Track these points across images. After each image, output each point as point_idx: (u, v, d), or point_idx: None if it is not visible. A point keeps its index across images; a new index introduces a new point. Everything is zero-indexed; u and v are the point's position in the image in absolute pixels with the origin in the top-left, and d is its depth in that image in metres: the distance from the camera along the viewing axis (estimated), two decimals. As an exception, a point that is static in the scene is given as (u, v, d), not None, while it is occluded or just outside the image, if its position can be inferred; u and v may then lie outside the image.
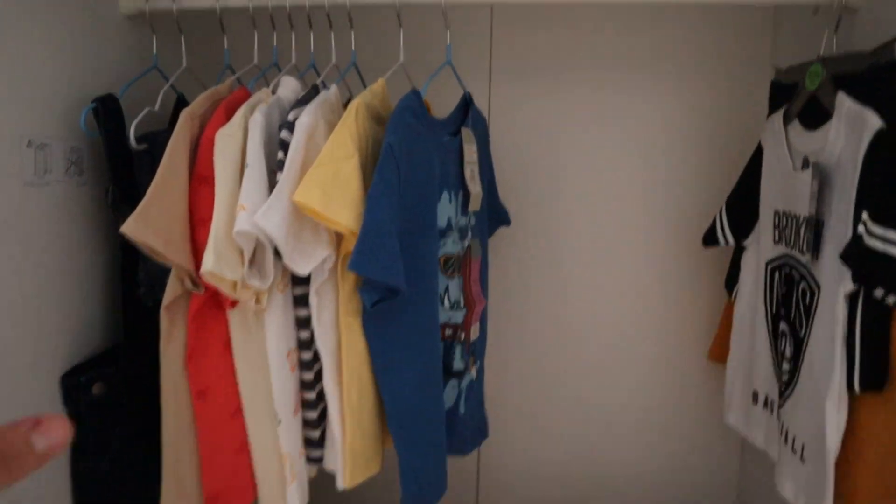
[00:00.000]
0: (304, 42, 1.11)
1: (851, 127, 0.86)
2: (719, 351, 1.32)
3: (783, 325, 1.06)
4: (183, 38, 1.13)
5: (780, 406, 1.06)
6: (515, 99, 1.42)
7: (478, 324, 1.21)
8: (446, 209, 1.05)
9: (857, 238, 0.81)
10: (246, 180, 0.87)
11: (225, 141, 0.91)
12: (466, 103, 1.14)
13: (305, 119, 0.90)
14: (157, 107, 1.07)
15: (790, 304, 1.04)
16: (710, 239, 1.24)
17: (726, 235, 1.21)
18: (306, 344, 1.03)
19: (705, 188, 1.40)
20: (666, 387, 1.47)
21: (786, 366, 1.04)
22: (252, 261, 0.92)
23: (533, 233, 1.45)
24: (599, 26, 1.39)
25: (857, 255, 0.82)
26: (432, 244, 1.03)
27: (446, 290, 1.09)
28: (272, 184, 0.90)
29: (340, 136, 0.89)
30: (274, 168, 0.92)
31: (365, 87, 1.14)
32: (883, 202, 0.80)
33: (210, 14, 1.10)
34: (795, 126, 1.03)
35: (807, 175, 0.96)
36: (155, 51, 1.14)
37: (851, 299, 0.86)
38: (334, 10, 1.06)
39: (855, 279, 0.83)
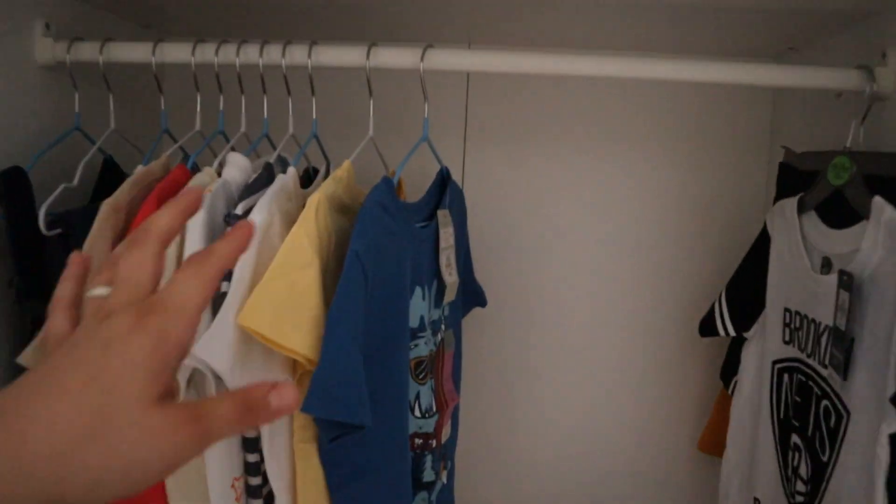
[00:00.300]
0: (257, 105, 0.95)
1: (893, 239, 0.76)
2: (711, 442, 1.21)
3: (796, 438, 0.95)
4: (111, 96, 0.96)
5: (792, 527, 0.94)
6: (492, 166, 1.29)
7: (449, 422, 1.07)
8: (419, 307, 0.91)
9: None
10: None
11: (157, 240, 0.74)
12: (444, 179, 1.00)
13: (258, 217, 0.75)
14: (75, 181, 0.90)
15: (806, 418, 0.92)
16: (707, 328, 1.12)
17: (727, 326, 1.10)
18: (254, 468, 0.87)
19: (698, 269, 1.30)
20: (652, 480, 1.35)
21: (800, 486, 0.93)
22: (189, 381, 0.76)
23: (509, 312, 1.32)
24: (585, 94, 1.27)
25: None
26: (403, 350, 0.88)
27: (417, 396, 0.94)
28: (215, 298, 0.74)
29: (297, 240, 0.74)
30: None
31: (327, 160, 1.00)
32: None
33: (145, 68, 0.94)
34: (812, 218, 0.93)
35: (830, 280, 0.85)
36: (77, 109, 0.96)
37: (893, 438, 0.74)
38: (293, 72, 0.91)
39: (903, 420, 0.72)
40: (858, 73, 0.89)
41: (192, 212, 0.43)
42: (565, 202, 1.30)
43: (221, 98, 0.95)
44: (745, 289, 1.08)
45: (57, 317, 0.40)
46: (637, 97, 1.27)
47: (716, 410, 1.20)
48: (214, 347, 0.69)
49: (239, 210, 0.78)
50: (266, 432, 0.82)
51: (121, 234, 0.77)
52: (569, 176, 1.29)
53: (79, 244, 0.79)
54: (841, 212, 0.87)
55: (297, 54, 0.90)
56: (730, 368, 1.14)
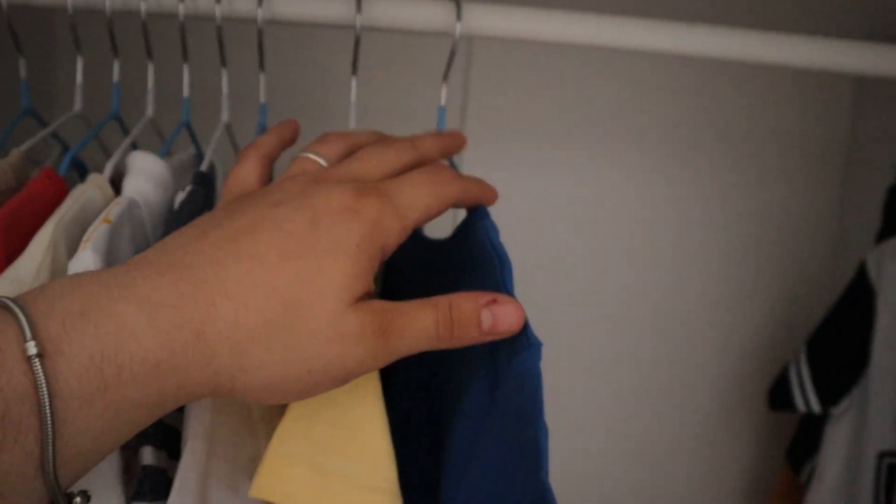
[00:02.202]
0: (174, 76, 0.61)
1: None
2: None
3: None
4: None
5: None
6: (498, 166, 0.98)
7: None
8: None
9: None
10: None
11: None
12: None
13: None
14: None
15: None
16: (780, 399, 0.87)
17: (808, 398, 0.84)
18: None
19: (745, 315, 1.03)
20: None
21: None
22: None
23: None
24: (605, 84, 0.98)
25: None
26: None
27: None
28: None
29: None
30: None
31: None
32: None
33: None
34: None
35: None
36: None
37: None
38: (232, 28, 0.58)
39: None
40: None
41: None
42: (581, 215, 1.01)
43: (116, 63, 0.61)
44: (836, 352, 0.82)
45: (248, 163, 0.38)
46: (670, 84, 0.98)
47: (777, 498, 0.95)
48: None
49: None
50: None
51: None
52: (586, 182, 1.00)
53: None
54: None
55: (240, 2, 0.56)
56: (802, 448, 0.89)
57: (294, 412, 0.39)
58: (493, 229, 0.44)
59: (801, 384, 0.85)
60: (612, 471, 1.06)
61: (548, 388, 0.39)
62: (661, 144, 0.99)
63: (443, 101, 0.59)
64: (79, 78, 0.61)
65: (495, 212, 0.46)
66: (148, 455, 0.39)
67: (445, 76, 0.58)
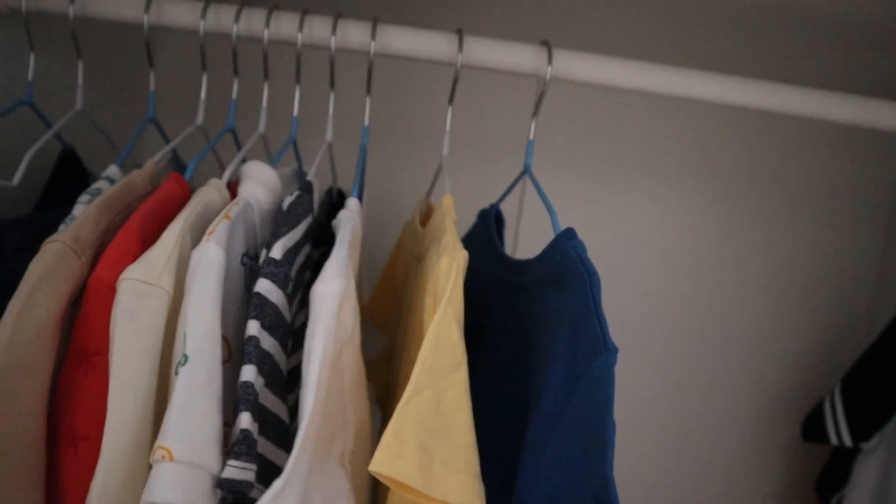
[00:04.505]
0: (285, 92, 0.69)
1: None
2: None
3: None
4: (80, 63, 0.69)
5: None
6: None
7: None
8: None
9: None
10: (179, 389, 0.44)
11: (138, 297, 0.47)
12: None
13: (335, 286, 0.48)
14: (15, 178, 0.62)
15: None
16: (814, 432, 0.91)
17: (840, 432, 0.88)
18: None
19: (790, 351, 1.08)
20: None
21: None
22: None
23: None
24: (641, 120, 1.04)
25: None
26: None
27: None
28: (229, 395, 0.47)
29: (448, 329, 0.48)
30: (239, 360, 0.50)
31: (360, 183, 0.75)
32: None
33: (132, 31, 0.67)
34: None
35: None
36: (31, 76, 0.68)
37: None
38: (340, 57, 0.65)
39: None
40: None
41: None
42: (637, 247, 1.06)
43: (236, 82, 0.69)
44: (872, 388, 0.86)
45: None
46: (712, 126, 1.04)
47: (804, 527, 0.99)
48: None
49: (276, 253, 0.51)
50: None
51: (78, 287, 0.49)
52: (621, 226, 1.06)
53: (14, 277, 0.51)
54: None
55: (353, 32, 0.64)
56: (832, 481, 0.93)
57: (408, 397, 0.46)
58: (582, 247, 0.50)
59: (835, 418, 0.89)
60: (646, 492, 1.11)
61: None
62: (719, 184, 1.05)
63: (531, 135, 0.65)
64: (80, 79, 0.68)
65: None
66: (245, 420, 0.45)
67: (535, 112, 0.65)
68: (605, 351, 0.47)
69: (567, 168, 1.04)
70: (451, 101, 0.64)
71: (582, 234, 0.48)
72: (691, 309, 1.07)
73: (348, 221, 0.56)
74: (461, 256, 0.51)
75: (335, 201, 0.80)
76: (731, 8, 0.98)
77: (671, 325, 1.07)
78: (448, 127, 0.64)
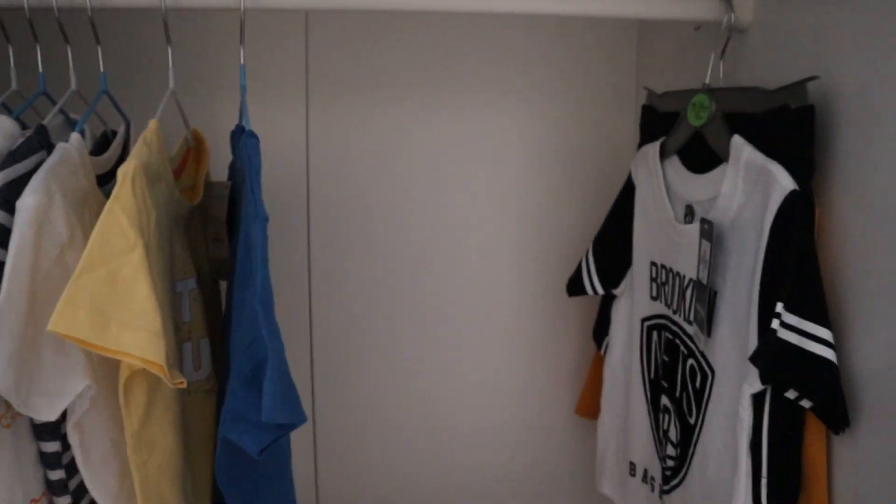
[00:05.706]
0: (30, 57, 0.78)
1: (753, 182, 0.69)
2: (588, 406, 1.15)
3: (665, 400, 0.90)
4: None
5: (666, 492, 0.89)
6: (339, 120, 1.15)
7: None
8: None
9: (770, 336, 0.64)
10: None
11: None
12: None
13: (30, 200, 0.60)
14: None
15: (674, 378, 0.87)
16: (575, 287, 1.05)
17: (594, 283, 1.03)
18: (59, 487, 0.73)
19: (568, 223, 1.22)
20: (531, 447, 1.29)
21: (671, 450, 0.88)
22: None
23: (368, 280, 1.20)
24: (436, 37, 1.15)
25: (769, 355, 0.64)
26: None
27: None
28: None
29: (114, 219, 0.60)
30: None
31: (126, 120, 0.84)
32: (799, 287, 0.63)
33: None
34: (675, 164, 0.86)
35: (692, 230, 0.78)
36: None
37: (756, 398, 0.69)
38: (70, 16, 0.74)
39: (764, 380, 0.66)
40: (717, 3, 0.81)
41: None
42: (423, 156, 1.19)
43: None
44: (612, 243, 1.01)
45: None
46: (493, 36, 1.16)
47: (591, 373, 1.14)
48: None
49: (-1, 185, 0.62)
50: (78, 448, 0.68)
51: None
52: (425, 127, 1.17)
53: None
54: (704, 155, 0.80)
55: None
56: (601, 328, 1.08)
57: (78, 273, 0.58)
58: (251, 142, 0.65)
59: (589, 272, 1.03)
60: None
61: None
62: (483, 93, 1.17)
63: (241, 60, 0.76)
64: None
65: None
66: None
67: (242, 39, 0.76)
68: (257, 218, 0.61)
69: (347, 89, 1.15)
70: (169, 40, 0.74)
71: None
72: (474, 214, 1.21)
73: (57, 151, 0.66)
74: (130, 165, 0.63)
75: (110, 139, 0.90)
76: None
77: (461, 220, 1.21)
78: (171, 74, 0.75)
